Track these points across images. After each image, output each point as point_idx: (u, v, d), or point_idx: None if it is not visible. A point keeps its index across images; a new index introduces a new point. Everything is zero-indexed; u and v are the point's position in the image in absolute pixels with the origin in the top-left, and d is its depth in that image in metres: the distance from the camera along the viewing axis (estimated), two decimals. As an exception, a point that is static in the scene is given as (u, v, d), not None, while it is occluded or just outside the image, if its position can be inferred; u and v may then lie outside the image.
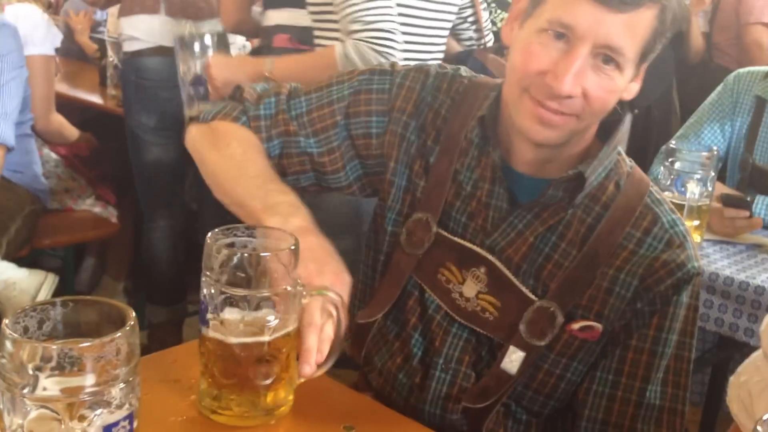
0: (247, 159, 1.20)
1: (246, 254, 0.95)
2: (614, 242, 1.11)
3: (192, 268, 3.27)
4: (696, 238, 1.91)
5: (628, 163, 1.19)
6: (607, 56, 1.03)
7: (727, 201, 1.95)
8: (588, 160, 1.11)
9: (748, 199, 1.96)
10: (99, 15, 4.15)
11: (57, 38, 2.79)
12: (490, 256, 1.14)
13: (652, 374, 1.12)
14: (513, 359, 1.12)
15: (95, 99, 3.26)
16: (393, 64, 1.29)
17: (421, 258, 1.18)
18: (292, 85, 1.30)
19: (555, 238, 1.13)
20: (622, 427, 1.13)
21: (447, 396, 1.18)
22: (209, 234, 0.97)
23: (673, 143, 2.11)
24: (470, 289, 1.15)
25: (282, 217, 1.07)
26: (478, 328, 1.16)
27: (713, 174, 1.92)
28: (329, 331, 0.98)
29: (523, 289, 1.13)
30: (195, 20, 2.69)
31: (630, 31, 1.02)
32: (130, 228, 3.07)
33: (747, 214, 1.93)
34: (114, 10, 3.62)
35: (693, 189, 1.88)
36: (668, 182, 1.93)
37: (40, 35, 2.71)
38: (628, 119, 1.16)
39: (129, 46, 2.70)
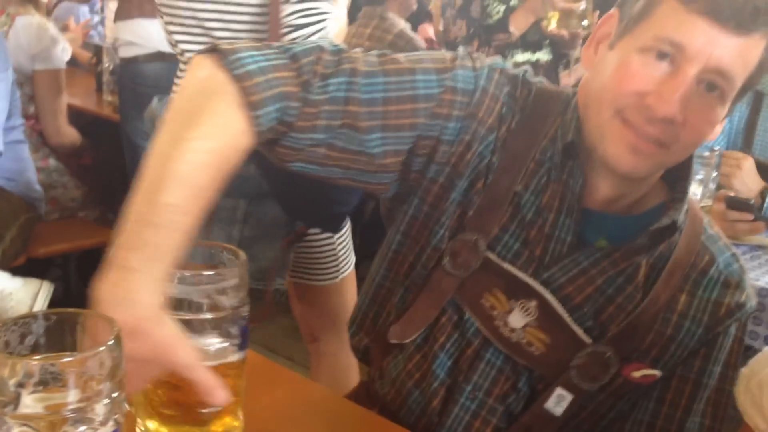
0: (187, 162, 0.90)
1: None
2: (675, 285, 1.06)
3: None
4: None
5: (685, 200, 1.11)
6: (712, 83, 0.95)
7: (730, 203, 1.93)
8: (676, 206, 1.04)
9: (751, 202, 1.93)
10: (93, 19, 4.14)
11: (66, 52, 2.79)
12: (545, 292, 1.06)
13: (694, 405, 1.09)
14: (559, 401, 1.06)
15: (91, 105, 3.24)
16: (470, 54, 1.10)
17: (465, 280, 1.08)
18: (368, 56, 1.06)
19: (622, 280, 1.05)
20: None
21: (468, 426, 1.11)
22: None
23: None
24: (517, 320, 1.07)
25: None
26: (522, 360, 1.07)
27: (715, 174, 1.89)
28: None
29: (578, 331, 1.05)
30: None
31: (741, 58, 0.94)
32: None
33: (750, 217, 1.90)
34: (112, 15, 3.61)
35: (695, 190, 1.85)
36: (669, 183, 1.90)
37: (50, 50, 2.71)
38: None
39: (126, 52, 2.68)
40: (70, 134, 2.84)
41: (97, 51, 3.50)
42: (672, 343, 1.07)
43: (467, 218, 1.08)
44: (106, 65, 3.26)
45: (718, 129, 1.02)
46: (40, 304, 2.26)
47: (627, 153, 0.97)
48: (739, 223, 1.92)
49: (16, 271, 2.37)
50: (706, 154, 1.92)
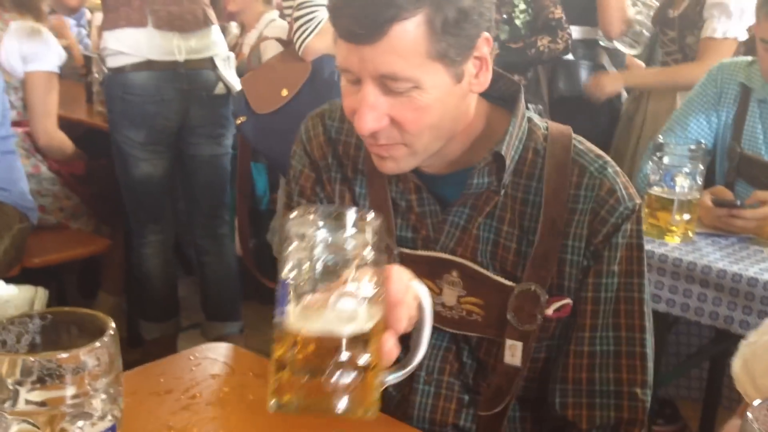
0: None
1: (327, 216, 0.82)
2: (563, 206, 1.10)
3: (183, 282, 3.27)
4: (688, 232, 1.91)
5: (542, 124, 1.16)
6: (394, 86, 1.00)
7: (717, 202, 1.96)
8: (502, 136, 1.09)
9: (738, 203, 1.96)
10: (76, 31, 4.14)
11: (60, 56, 2.79)
12: (456, 258, 1.12)
13: (598, 321, 1.12)
14: (513, 351, 1.12)
15: (82, 115, 3.25)
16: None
17: None
18: None
19: (495, 222, 1.12)
20: (581, 381, 1.13)
21: (434, 408, 1.17)
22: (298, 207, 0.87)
23: (660, 138, 2.11)
24: (450, 296, 1.13)
25: None
26: (470, 333, 1.14)
27: (702, 167, 1.91)
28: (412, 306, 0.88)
29: (500, 278, 1.11)
30: (182, 33, 2.69)
31: (392, 55, 0.97)
32: (122, 244, 3.05)
33: (736, 213, 1.93)
34: (97, 23, 3.62)
35: (682, 183, 1.88)
36: (657, 177, 1.92)
37: (43, 52, 2.71)
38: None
39: (114, 62, 2.68)
40: (59, 138, 2.83)
41: (87, 61, 3.50)
42: (565, 265, 1.11)
43: None
44: (96, 75, 3.26)
45: (485, 77, 1.06)
46: (37, 311, 2.26)
47: (379, 161, 1.08)
48: (726, 218, 1.95)
49: (11, 282, 2.38)
50: (693, 147, 1.94)
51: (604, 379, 1.12)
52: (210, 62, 2.74)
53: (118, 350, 0.75)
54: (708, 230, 1.97)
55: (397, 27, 0.96)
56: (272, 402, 0.83)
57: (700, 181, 1.91)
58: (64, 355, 0.71)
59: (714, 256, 1.82)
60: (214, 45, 2.76)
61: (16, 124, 2.78)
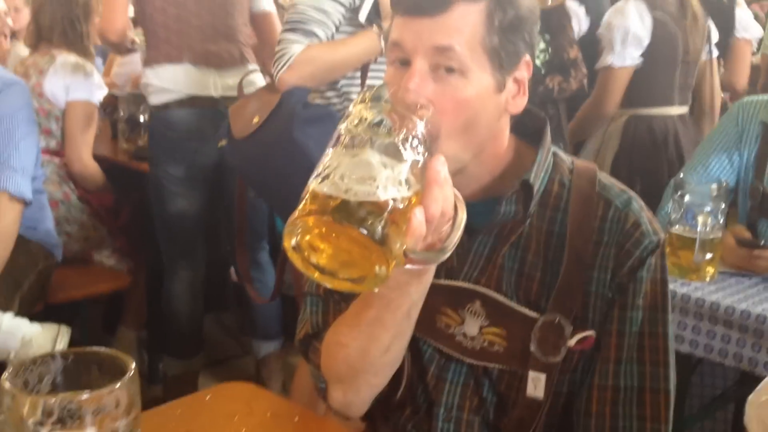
0: None
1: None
2: (586, 239, 1.10)
3: (209, 320, 3.27)
4: (710, 271, 1.89)
5: (567, 158, 1.18)
6: (447, 66, 1.02)
7: (740, 242, 1.95)
8: (529, 167, 1.11)
9: (762, 242, 1.94)
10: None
11: (101, 89, 2.88)
12: (479, 288, 1.12)
13: (623, 355, 1.11)
14: (536, 384, 1.11)
15: (107, 152, 3.30)
16: None
17: None
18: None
19: (520, 252, 1.12)
20: (604, 415, 1.11)
21: None
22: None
23: (681, 176, 2.11)
24: (472, 326, 1.13)
25: None
26: (492, 364, 1.13)
27: (723, 206, 1.90)
28: (451, 195, 0.88)
29: (523, 310, 1.11)
30: (218, 70, 2.74)
31: (453, 30, 1.02)
32: (144, 280, 3.07)
33: (760, 252, 1.92)
34: (120, 60, 3.70)
35: (704, 222, 1.86)
36: (678, 215, 1.91)
37: (86, 83, 2.81)
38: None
39: (157, 99, 2.72)
40: (92, 167, 2.89)
41: (113, 100, 3.57)
42: (590, 297, 1.10)
43: None
44: (122, 114, 3.33)
45: (521, 101, 1.10)
46: (60, 349, 2.28)
47: None
48: (750, 258, 1.93)
49: (35, 317, 2.40)
50: (714, 187, 1.93)
51: (627, 413, 1.11)
52: None
53: (137, 391, 0.75)
54: (731, 270, 1.95)
55: (460, 5, 1.02)
56: (290, 240, 0.81)
57: (722, 219, 1.90)
58: (84, 397, 0.72)
59: (737, 297, 1.80)
60: (251, 84, 2.81)
61: (54, 153, 2.86)
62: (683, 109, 2.95)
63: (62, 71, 2.78)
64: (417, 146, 0.83)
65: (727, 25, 3.07)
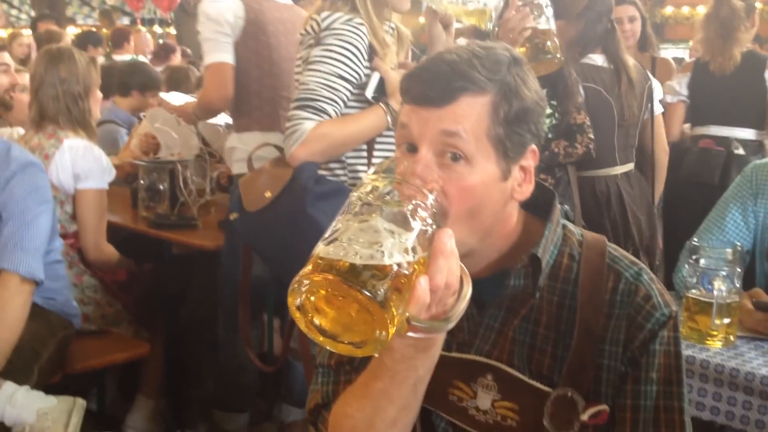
0: None
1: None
2: (596, 312, 1.11)
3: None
4: (729, 336, 1.87)
5: (577, 230, 1.19)
6: (452, 153, 1.04)
7: (758, 305, 1.93)
8: (537, 242, 1.12)
9: None
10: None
11: (110, 173, 2.91)
12: (491, 362, 1.13)
13: (638, 430, 1.09)
14: None
15: (127, 221, 3.34)
16: None
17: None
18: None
19: (531, 325, 1.13)
20: None
21: None
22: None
23: (695, 240, 2.10)
24: (484, 400, 1.13)
25: None
26: None
27: (739, 270, 1.89)
28: (456, 268, 0.90)
29: (535, 384, 1.11)
30: None
31: (457, 116, 1.04)
32: (161, 348, 3.08)
33: None
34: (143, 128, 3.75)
35: (720, 286, 1.85)
36: (695, 279, 1.90)
37: (95, 170, 2.83)
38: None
39: (241, 168, 2.73)
40: (108, 252, 2.91)
41: (133, 168, 3.62)
42: (603, 371, 1.10)
43: None
44: (141, 182, 3.37)
45: (528, 189, 1.12)
46: (75, 422, 2.28)
47: None
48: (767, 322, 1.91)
49: (53, 387, 2.41)
50: (729, 251, 1.92)
51: None
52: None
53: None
54: (750, 334, 1.93)
55: (466, 97, 1.05)
56: (294, 299, 0.83)
57: (738, 283, 1.88)
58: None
59: (757, 362, 1.77)
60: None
61: (61, 236, 2.87)
62: (627, 167, 3.05)
63: (70, 157, 2.78)
64: (426, 218, 0.87)
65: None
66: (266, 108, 2.79)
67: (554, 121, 2.85)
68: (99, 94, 3.01)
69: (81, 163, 2.79)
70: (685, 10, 11.78)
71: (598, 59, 2.96)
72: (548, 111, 2.90)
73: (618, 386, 1.10)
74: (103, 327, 2.88)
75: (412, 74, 1.08)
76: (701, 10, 4.78)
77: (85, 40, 7.16)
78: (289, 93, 2.73)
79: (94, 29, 10.05)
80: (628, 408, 1.10)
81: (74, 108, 2.84)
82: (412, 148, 1.07)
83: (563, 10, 2.73)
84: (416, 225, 0.85)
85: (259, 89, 2.80)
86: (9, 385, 2.23)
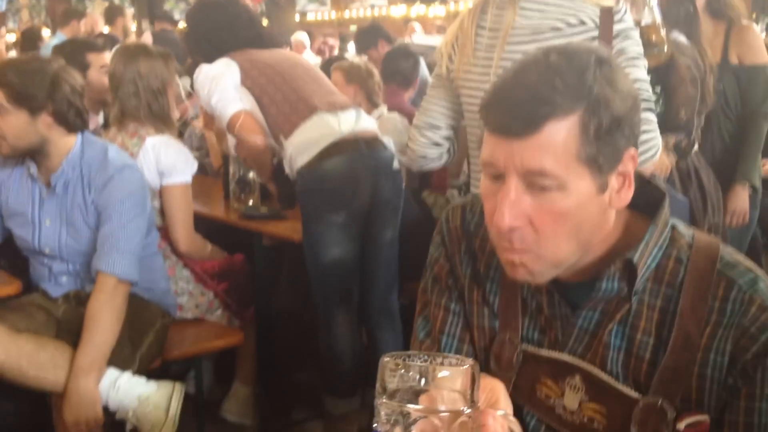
0: None
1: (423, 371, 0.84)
2: (701, 319, 1.05)
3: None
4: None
5: (687, 232, 1.12)
6: (539, 184, 1.00)
7: None
8: (636, 244, 1.07)
9: None
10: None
11: (194, 166, 2.99)
12: (581, 363, 1.11)
13: None
14: None
15: (219, 212, 3.43)
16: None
17: (515, 378, 1.16)
18: None
19: (628, 330, 1.09)
20: None
21: None
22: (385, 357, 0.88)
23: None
24: (572, 400, 1.12)
25: None
26: None
27: None
28: None
29: (624, 389, 1.08)
30: (333, 112, 2.88)
31: (545, 150, 0.99)
32: (254, 336, 3.16)
33: None
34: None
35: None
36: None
37: (178, 165, 2.90)
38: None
39: (301, 160, 2.83)
40: (198, 243, 3.00)
41: (225, 159, 3.71)
42: (705, 380, 1.04)
43: (488, 326, 1.19)
44: (232, 173, 3.44)
45: (627, 194, 1.06)
46: (175, 406, 2.37)
47: (511, 268, 1.07)
48: None
49: (152, 373, 2.52)
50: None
51: None
52: (380, 142, 2.94)
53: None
54: None
55: (550, 124, 0.98)
56: None
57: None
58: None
59: None
60: (366, 121, 2.99)
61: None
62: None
63: (153, 155, 2.85)
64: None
65: None
66: (301, 107, 2.90)
67: (660, 110, 2.78)
68: (176, 89, 3.08)
69: (164, 159, 2.86)
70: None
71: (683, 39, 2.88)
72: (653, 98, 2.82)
73: (725, 399, 1.05)
74: (198, 316, 2.97)
75: (491, 103, 1.03)
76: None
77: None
78: (308, 84, 2.95)
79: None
80: (740, 426, 1.04)
81: (154, 103, 2.90)
82: (499, 177, 1.03)
83: None
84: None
85: (283, 97, 2.91)
86: (112, 372, 2.35)
